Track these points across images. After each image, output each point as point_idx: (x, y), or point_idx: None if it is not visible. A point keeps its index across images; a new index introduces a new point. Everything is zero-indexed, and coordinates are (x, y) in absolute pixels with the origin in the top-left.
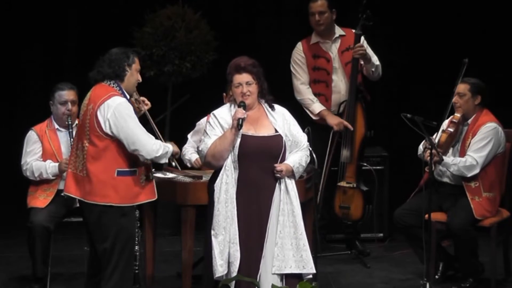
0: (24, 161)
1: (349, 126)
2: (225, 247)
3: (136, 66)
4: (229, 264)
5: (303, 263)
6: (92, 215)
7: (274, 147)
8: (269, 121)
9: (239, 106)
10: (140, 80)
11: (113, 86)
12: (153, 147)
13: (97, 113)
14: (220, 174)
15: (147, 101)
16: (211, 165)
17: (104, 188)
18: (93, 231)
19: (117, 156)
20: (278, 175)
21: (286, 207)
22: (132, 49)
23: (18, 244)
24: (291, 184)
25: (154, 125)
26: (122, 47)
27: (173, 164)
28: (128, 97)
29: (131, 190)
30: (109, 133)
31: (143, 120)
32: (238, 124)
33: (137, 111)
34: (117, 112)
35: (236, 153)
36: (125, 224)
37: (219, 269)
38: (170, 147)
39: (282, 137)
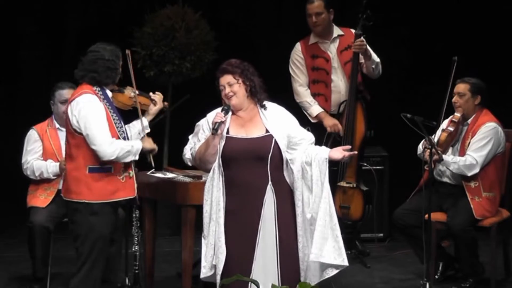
0: (24, 160)
1: (341, 130)
2: (209, 249)
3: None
4: (214, 266)
5: (340, 251)
6: (69, 212)
7: (260, 148)
8: (262, 121)
9: (221, 110)
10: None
11: (92, 85)
12: (108, 149)
13: (68, 111)
14: (209, 177)
15: (156, 99)
16: (200, 168)
17: (78, 185)
18: (71, 228)
19: (89, 153)
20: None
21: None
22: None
23: (18, 244)
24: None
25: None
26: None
27: (148, 159)
28: (109, 94)
29: (105, 187)
30: (77, 129)
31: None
32: (213, 128)
33: (123, 108)
34: (83, 109)
35: (220, 156)
36: (95, 224)
37: (203, 270)
38: (136, 145)
39: (272, 137)
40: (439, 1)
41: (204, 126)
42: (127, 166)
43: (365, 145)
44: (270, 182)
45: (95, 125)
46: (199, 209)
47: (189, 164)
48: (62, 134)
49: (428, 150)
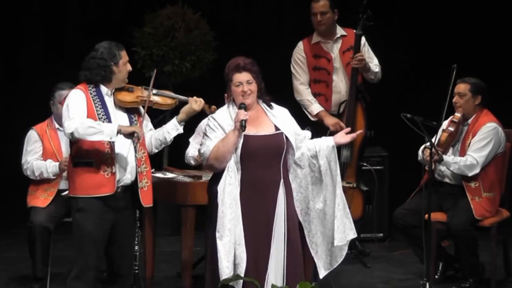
0: (24, 160)
1: (344, 127)
2: (230, 249)
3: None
4: (235, 265)
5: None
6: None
7: (276, 145)
8: (269, 120)
9: (239, 108)
10: (130, 68)
11: (86, 83)
12: (67, 124)
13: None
14: (223, 176)
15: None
16: (213, 167)
17: (69, 179)
18: None
19: (74, 147)
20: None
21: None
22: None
23: (18, 244)
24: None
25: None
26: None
27: (134, 143)
28: (104, 92)
29: (87, 181)
30: None
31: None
32: (241, 126)
33: (125, 106)
34: (65, 102)
35: (239, 154)
36: (80, 221)
37: (226, 271)
38: (110, 126)
39: (283, 134)
40: (439, 2)
41: (213, 125)
42: (111, 161)
43: (365, 145)
44: (282, 179)
45: (64, 110)
46: (199, 209)
47: (192, 163)
48: (61, 134)
49: (428, 150)
